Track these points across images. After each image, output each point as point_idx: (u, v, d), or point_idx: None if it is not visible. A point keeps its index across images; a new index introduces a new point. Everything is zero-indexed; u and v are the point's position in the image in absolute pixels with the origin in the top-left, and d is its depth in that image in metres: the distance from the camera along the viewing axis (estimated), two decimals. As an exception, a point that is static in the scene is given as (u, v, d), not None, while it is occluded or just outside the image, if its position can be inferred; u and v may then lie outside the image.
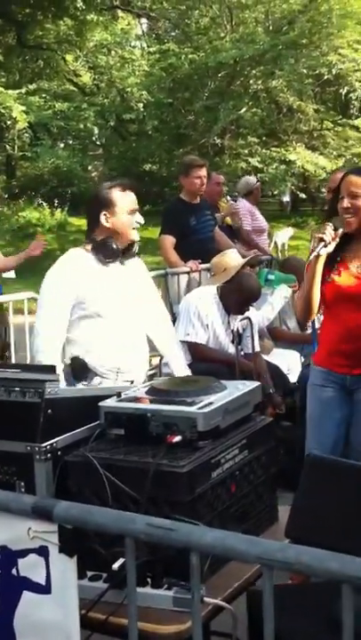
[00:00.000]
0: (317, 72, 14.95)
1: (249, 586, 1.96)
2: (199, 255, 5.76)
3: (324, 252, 2.99)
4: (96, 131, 19.36)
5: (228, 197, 7.37)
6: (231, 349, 4.48)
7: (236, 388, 2.14)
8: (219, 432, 2.00)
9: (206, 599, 1.74)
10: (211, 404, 2.00)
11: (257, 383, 2.23)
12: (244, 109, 14.86)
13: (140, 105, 15.30)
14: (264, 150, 14.99)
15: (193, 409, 1.96)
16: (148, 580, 1.82)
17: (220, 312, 4.52)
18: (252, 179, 8.02)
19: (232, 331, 4.47)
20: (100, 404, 2.05)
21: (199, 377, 2.23)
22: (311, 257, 3.02)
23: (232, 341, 4.47)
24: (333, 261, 3.10)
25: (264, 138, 15.70)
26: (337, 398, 3.13)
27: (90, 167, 22.18)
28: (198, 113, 15.18)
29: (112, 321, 3.08)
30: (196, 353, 4.55)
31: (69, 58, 19.15)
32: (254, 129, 15.46)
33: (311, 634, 1.88)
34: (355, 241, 3.10)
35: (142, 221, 3.25)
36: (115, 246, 3.08)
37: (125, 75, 15.63)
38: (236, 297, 4.46)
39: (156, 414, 1.96)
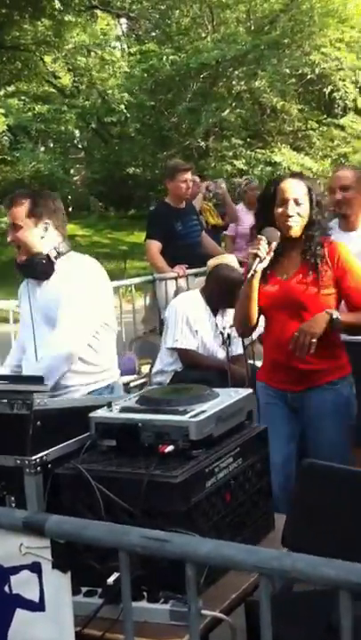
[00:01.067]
0: (300, 72, 15.01)
1: (247, 597, 1.95)
2: (186, 260, 5.76)
3: (261, 267, 2.98)
4: (77, 133, 19.35)
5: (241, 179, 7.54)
6: (220, 354, 4.48)
7: (229, 396, 2.14)
8: (212, 440, 1.99)
9: (204, 611, 1.73)
10: (203, 412, 1.99)
11: (249, 390, 2.23)
12: (227, 111, 14.90)
13: (122, 107, 15.30)
14: (249, 152, 15.03)
15: (185, 418, 1.95)
16: (144, 594, 1.82)
17: (207, 315, 4.52)
18: (241, 180, 8.08)
19: (221, 332, 4.47)
20: (91, 414, 2.04)
21: (191, 385, 2.22)
22: (248, 275, 2.99)
23: (223, 343, 4.46)
24: (264, 270, 3.07)
25: (248, 139, 15.73)
26: (281, 415, 3.12)
27: (72, 171, 22.16)
28: (181, 115, 15.20)
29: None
30: (187, 359, 4.55)
31: (48, 59, 19.10)
32: (238, 130, 15.50)
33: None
34: (284, 249, 3.08)
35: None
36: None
37: (106, 76, 15.63)
38: (217, 290, 4.46)
39: (148, 424, 1.95)
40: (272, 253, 2.99)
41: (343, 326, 3.03)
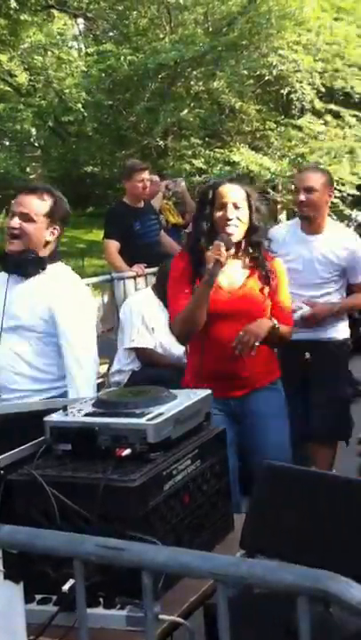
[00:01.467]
0: (258, 73, 15.02)
1: (206, 599, 1.92)
2: (145, 259, 5.74)
3: (220, 272, 2.95)
4: (34, 132, 19.13)
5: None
6: (175, 350, 4.45)
7: (187, 397, 2.11)
8: (170, 443, 1.96)
9: (162, 616, 1.70)
10: (161, 414, 1.96)
11: (208, 391, 2.20)
12: (185, 111, 14.87)
13: (80, 105, 15.18)
14: (207, 151, 15.00)
15: (143, 420, 1.92)
16: (101, 600, 1.78)
17: (161, 311, 4.49)
18: (201, 179, 8.08)
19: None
20: (46, 418, 1.99)
21: (149, 387, 2.19)
22: (206, 281, 2.92)
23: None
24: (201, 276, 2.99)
25: (207, 139, 15.71)
26: (223, 423, 2.90)
27: (28, 169, 21.93)
28: (140, 114, 15.13)
29: None
30: (145, 358, 4.52)
31: (4, 58, 18.85)
32: (197, 130, 15.48)
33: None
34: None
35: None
36: None
37: (63, 75, 15.49)
38: (164, 283, 4.44)
39: (105, 427, 1.91)
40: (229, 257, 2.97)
41: (277, 338, 3.07)
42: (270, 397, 3.13)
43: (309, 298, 3.86)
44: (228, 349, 2.97)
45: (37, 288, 2.93)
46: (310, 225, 3.93)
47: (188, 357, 3.33)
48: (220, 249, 2.88)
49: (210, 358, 3.03)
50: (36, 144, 19.63)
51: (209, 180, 8.63)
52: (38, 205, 2.90)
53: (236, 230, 2.98)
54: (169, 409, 2.00)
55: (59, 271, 3.00)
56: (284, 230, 4.05)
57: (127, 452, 1.87)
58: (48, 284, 2.92)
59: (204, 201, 3.06)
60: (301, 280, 3.78)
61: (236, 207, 2.97)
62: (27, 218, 2.90)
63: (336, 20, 14.57)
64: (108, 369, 4.91)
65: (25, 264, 2.92)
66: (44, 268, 2.94)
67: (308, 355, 3.86)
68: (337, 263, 3.89)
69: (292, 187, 4.17)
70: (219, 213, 2.98)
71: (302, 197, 3.85)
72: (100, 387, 5.20)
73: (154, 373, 4.45)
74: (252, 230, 3.03)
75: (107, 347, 5.51)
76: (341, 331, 4.02)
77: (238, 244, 3.04)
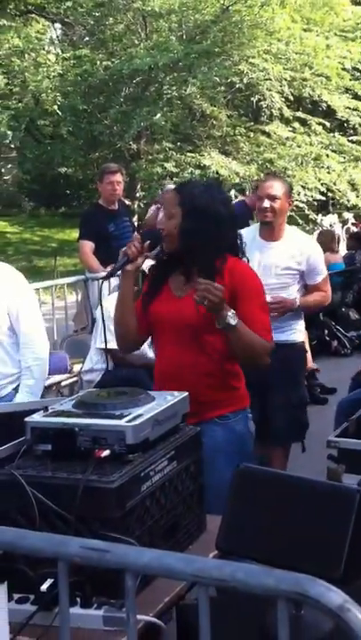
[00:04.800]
0: (230, 80, 15.08)
1: (179, 600, 1.91)
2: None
3: (130, 268, 2.69)
4: (9, 134, 18.94)
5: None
6: (149, 352, 4.44)
7: (165, 399, 2.09)
8: (148, 444, 1.94)
9: (138, 616, 1.68)
10: (140, 416, 1.94)
11: (185, 393, 2.19)
12: (158, 115, 14.85)
13: (55, 107, 15.09)
14: (179, 155, 15.03)
15: (122, 422, 1.89)
16: (78, 599, 1.75)
17: None
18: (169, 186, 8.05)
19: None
20: (26, 419, 1.96)
21: (127, 388, 2.16)
22: (115, 274, 2.77)
23: (152, 342, 4.43)
24: (156, 283, 2.76)
25: (179, 143, 15.73)
26: None
27: (3, 170, 21.74)
28: (114, 118, 15.09)
29: None
30: (116, 359, 4.49)
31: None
32: (169, 134, 15.48)
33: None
34: (179, 264, 2.72)
35: None
36: None
37: (40, 78, 15.38)
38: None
39: (85, 428, 1.88)
40: (146, 256, 2.69)
41: (236, 334, 2.57)
42: (217, 432, 2.68)
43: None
44: (174, 369, 2.66)
45: None
46: (270, 231, 3.96)
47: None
48: (134, 242, 2.67)
49: (157, 374, 2.77)
50: (12, 145, 19.46)
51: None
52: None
53: (167, 239, 2.66)
54: (147, 411, 1.98)
55: None
56: (243, 237, 4.05)
57: (106, 452, 1.85)
58: None
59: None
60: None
61: (167, 217, 2.68)
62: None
63: (306, 30, 14.68)
64: (81, 367, 4.87)
65: None
66: None
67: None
68: (295, 268, 3.92)
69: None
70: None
71: (266, 204, 3.88)
72: (73, 385, 5.18)
73: (126, 373, 4.43)
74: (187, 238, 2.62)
75: (79, 346, 5.48)
76: (298, 333, 4.04)
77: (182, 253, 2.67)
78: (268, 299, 3.80)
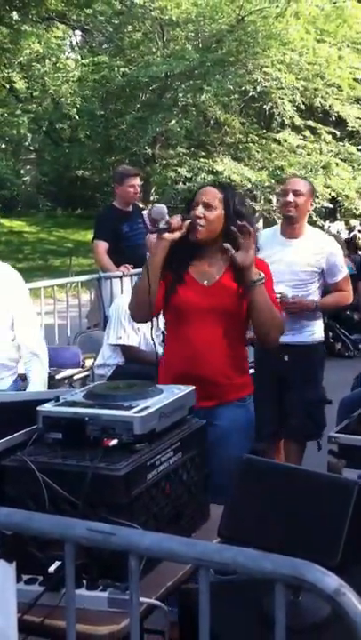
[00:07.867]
0: (243, 88, 15.07)
1: (182, 584, 1.92)
2: (131, 261, 5.74)
3: (168, 236, 2.74)
4: (29, 136, 19.06)
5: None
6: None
7: (172, 392, 2.11)
8: (155, 435, 1.96)
9: (141, 599, 1.70)
10: (147, 407, 1.96)
11: (192, 387, 2.21)
12: (173, 121, 14.88)
13: (74, 111, 15.14)
14: (192, 160, 15.04)
15: (130, 413, 1.92)
16: (84, 581, 1.77)
17: None
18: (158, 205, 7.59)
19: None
20: (38, 408, 1.98)
21: (136, 381, 2.18)
22: (153, 237, 2.79)
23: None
24: (180, 271, 2.83)
25: (192, 149, 15.75)
26: None
27: (22, 171, 21.81)
28: (130, 123, 15.13)
29: None
30: (129, 355, 4.51)
31: (3, 66, 18.76)
32: (183, 140, 15.51)
33: (243, 629, 1.87)
34: (204, 252, 2.84)
35: None
36: None
37: (60, 82, 15.45)
38: None
39: (94, 418, 1.90)
40: (184, 230, 2.76)
41: (262, 294, 2.76)
42: (238, 413, 2.85)
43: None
44: (196, 350, 2.77)
45: None
46: (291, 229, 3.96)
47: (161, 359, 3.02)
48: (177, 217, 2.77)
49: (179, 359, 2.82)
50: (31, 148, 19.56)
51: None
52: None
53: (201, 229, 2.78)
54: (155, 403, 2.01)
55: None
56: (264, 235, 4.07)
57: (114, 442, 1.87)
58: None
59: (189, 200, 2.96)
60: (282, 282, 3.79)
61: (206, 206, 2.79)
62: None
63: (319, 41, 14.64)
64: (93, 362, 4.90)
65: None
66: None
67: (286, 357, 3.87)
68: (315, 265, 3.92)
69: (273, 197, 4.22)
70: (193, 211, 2.83)
71: (290, 198, 3.90)
72: (85, 379, 5.20)
73: (137, 369, 4.45)
74: (225, 233, 2.78)
75: (91, 342, 5.50)
76: (318, 334, 4.04)
77: (214, 243, 2.82)
78: (289, 296, 3.82)
